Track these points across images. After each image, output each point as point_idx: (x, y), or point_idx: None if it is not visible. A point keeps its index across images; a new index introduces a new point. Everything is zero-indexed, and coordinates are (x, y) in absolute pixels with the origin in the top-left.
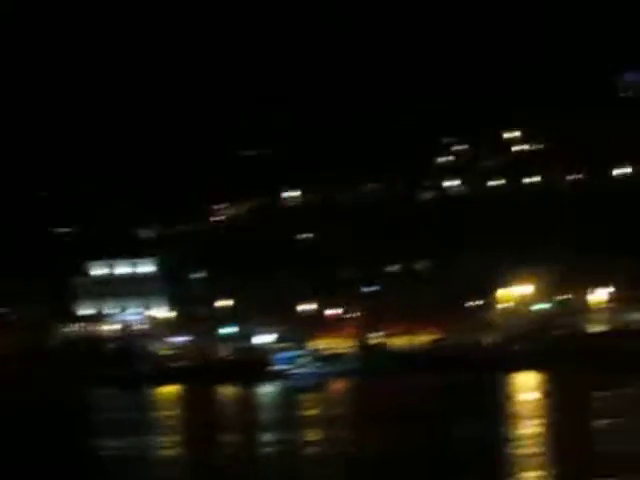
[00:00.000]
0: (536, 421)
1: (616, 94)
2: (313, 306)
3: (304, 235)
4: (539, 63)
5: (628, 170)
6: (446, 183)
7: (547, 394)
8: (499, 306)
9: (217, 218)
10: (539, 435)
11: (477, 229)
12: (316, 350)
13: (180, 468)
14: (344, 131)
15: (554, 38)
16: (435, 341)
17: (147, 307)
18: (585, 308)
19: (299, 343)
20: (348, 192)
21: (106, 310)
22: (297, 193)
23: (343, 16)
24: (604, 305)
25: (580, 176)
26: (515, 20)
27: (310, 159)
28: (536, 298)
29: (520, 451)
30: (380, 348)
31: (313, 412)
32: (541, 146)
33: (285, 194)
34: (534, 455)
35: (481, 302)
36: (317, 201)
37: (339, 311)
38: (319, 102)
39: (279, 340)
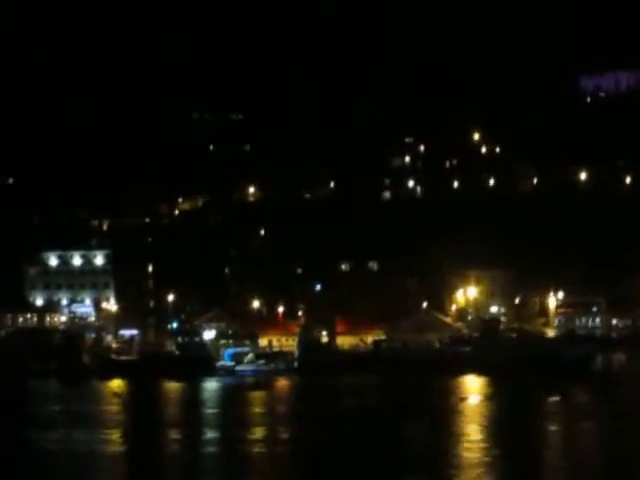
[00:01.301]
0: (478, 424)
1: (576, 100)
2: (262, 302)
3: (257, 231)
4: (499, 67)
5: (583, 175)
6: (404, 183)
7: (491, 397)
8: (450, 307)
9: (172, 212)
10: (480, 438)
11: (432, 230)
12: (262, 347)
13: (115, 463)
14: (304, 129)
15: (516, 42)
16: (377, 341)
17: (98, 299)
18: (536, 312)
19: (245, 339)
20: (305, 190)
21: (57, 301)
22: (253, 189)
23: (302, 15)
24: (556, 309)
25: (535, 180)
26: (474, 24)
27: (269, 156)
28: (487, 301)
29: (462, 453)
30: (326, 347)
31: (256, 409)
32: (500, 148)
33: (242, 190)
34: (475, 458)
35: (431, 303)
36: (274, 198)
37: (287, 308)
38: (280, 100)
39: (225, 336)
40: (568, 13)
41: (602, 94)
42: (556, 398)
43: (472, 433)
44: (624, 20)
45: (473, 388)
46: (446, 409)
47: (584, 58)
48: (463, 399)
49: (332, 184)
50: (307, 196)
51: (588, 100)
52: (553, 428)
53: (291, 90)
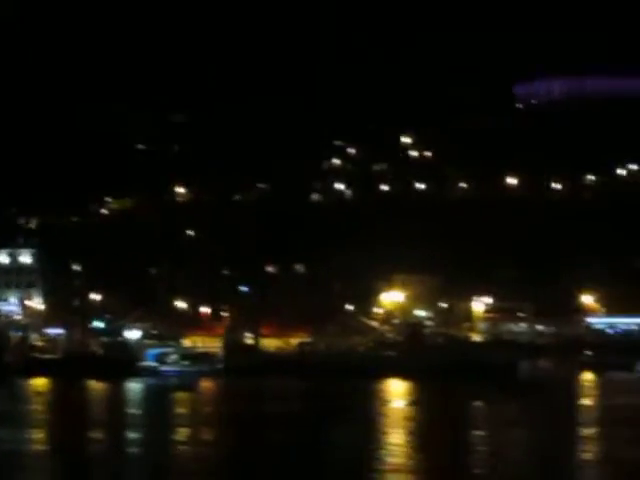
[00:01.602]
0: (402, 429)
1: (513, 104)
2: (188, 303)
3: (187, 232)
4: (433, 71)
5: (514, 181)
6: (335, 186)
7: (416, 402)
8: (375, 311)
9: (101, 211)
10: (404, 443)
11: (360, 233)
12: (187, 348)
13: (37, 462)
14: (236, 131)
15: (451, 47)
16: (301, 344)
17: (25, 298)
18: (463, 317)
19: (170, 340)
20: (237, 191)
21: None
22: (184, 190)
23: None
24: (482, 315)
25: (467, 184)
26: (406, 27)
27: (202, 157)
28: (414, 305)
29: (386, 458)
30: (250, 348)
31: (179, 410)
32: (431, 153)
33: (173, 190)
34: (399, 463)
35: (357, 306)
36: (205, 199)
37: (213, 310)
38: (215, 101)
39: (150, 336)
40: (503, 19)
41: (534, 101)
42: (479, 404)
43: (396, 438)
44: (558, 28)
45: (397, 392)
46: (370, 413)
47: (518, 65)
48: (387, 403)
49: (262, 186)
50: (236, 198)
51: (520, 107)
52: (476, 434)
53: (225, 92)
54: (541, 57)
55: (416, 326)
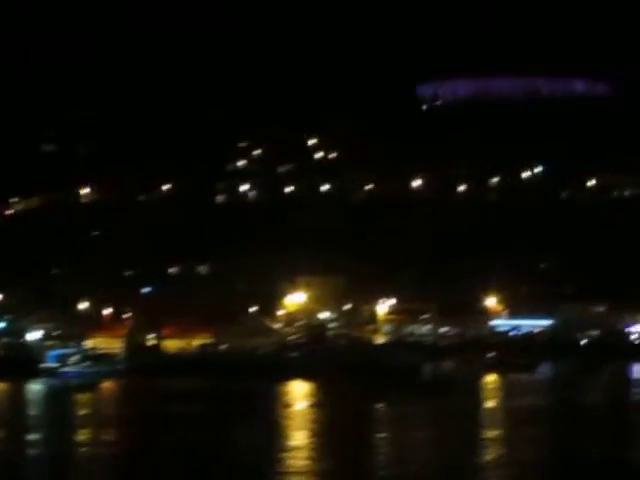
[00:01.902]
0: (305, 431)
1: (418, 106)
2: (91, 304)
3: (92, 232)
4: (337, 72)
5: (419, 182)
6: (240, 187)
7: (317, 404)
8: (279, 312)
9: (7, 212)
10: (305, 445)
11: (264, 234)
12: (88, 349)
13: None
14: (144, 130)
15: (355, 48)
16: (203, 345)
17: None
18: (367, 319)
19: (72, 341)
20: (142, 191)
21: None
22: (89, 190)
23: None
24: (386, 317)
25: (372, 186)
26: (312, 28)
27: (107, 157)
28: (318, 307)
29: (288, 460)
30: (152, 349)
31: (80, 411)
32: (336, 154)
33: (80, 191)
34: (302, 465)
35: (260, 307)
36: (111, 199)
37: (115, 311)
38: (122, 101)
39: (51, 337)
40: (407, 19)
41: (439, 102)
42: (382, 405)
43: (298, 440)
44: (463, 28)
45: (300, 394)
46: (272, 415)
47: (422, 65)
48: (289, 405)
49: (167, 187)
50: (141, 198)
51: (424, 108)
52: (375, 436)
53: (131, 92)
54: (446, 57)
55: (318, 328)
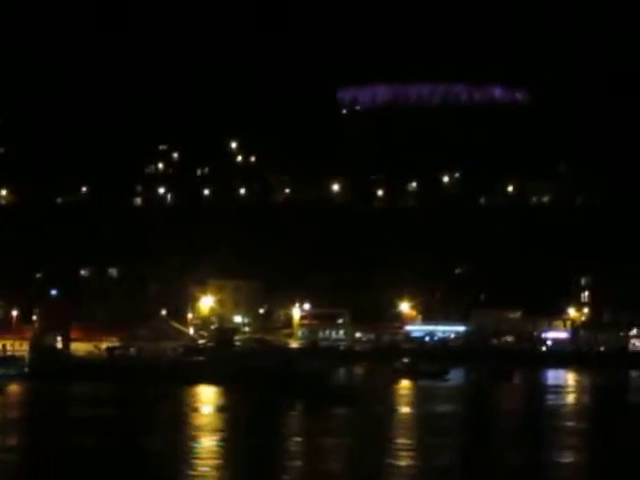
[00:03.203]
0: (211, 435)
1: (338, 110)
2: None
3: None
4: (262, 75)
5: (336, 187)
6: (155, 190)
7: (223, 408)
8: (190, 316)
9: None
10: (215, 450)
11: (178, 238)
12: None
13: None
14: (63, 133)
15: (277, 52)
16: (110, 349)
17: None
18: (282, 323)
19: None
20: (60, 194)
21: None
22: (6, 192)
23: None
24: (301, 321)
25: (290, 190)
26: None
27: (24, 160)
28: (231, 310)
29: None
30: (57, 352)
31: None
32: (255, 158)
33: None
34: (207, 470)
35: (171, 311)
36: (23, 202)
37: (23, 313)
38: (39, 102)
39: None
40: (329, 24)
41: (358, 107)
42: (290, 411)
43: (204, 444)
44: (384, 34)
45: (206, 398)
46: (178, 419)
47: (342, 70)
48: (195, 409)
49: (84, 189)
50: (59, 200)
51: (344, 112)
52: (274, 441)
53: (49, 95)
54: (366, 63)
55: (224, 332)
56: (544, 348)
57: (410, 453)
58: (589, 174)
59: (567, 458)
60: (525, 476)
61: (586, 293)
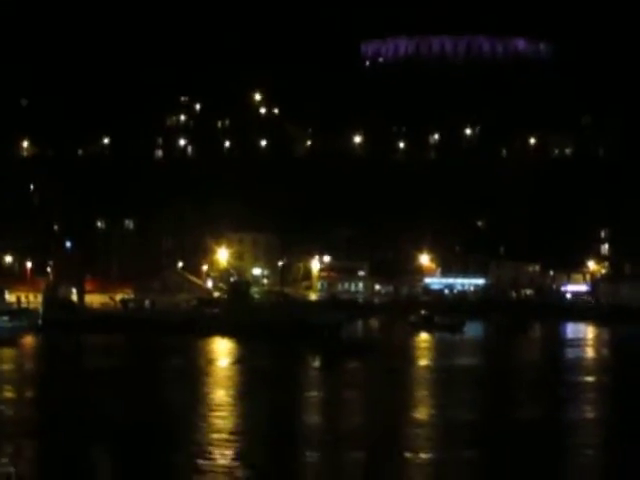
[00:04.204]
0: (229, 389)
1: (361, 63)
2: (14, 258)
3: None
4: (285, 28)
5: (359, 139)
6: (176, 143)
7: (238, 360)
8: (205, 268)
9: None
10: (229, 403)
11: (197, 191)
12: (6, 303)
13: None
14: (83, 84)
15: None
16: (124, 301)
17: None
18: (301, 276)
19: None
20: (81, 144)
21: None
22: (27, 144)
23: None
24: (320, 274)
25: (311, 142)
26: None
27: (46, 111)
28: (249, 263)
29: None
30: (73, 304)
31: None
32: (278, 110)
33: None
34: (225, 424)
35: (188, 264)
36: (46, 153)
37: (37, 265)
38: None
39: None
40: None
41: (381, 59)
42: (305, 363)
43: (221, 397)
44: None
45: (219, 351)
46: (194, 371)
47: (364, 23)
48: (209, 362)
49: (105, 141)
50: (80, 152)
51: (367, 65)
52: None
53: (71, 47)
54: (389, 16)
55: (239, 284)
56: (565, 301)
57: (423, 406)
58: (611, 127)
59: (578, 413)
60: (543, 429)
61: (606, 246)
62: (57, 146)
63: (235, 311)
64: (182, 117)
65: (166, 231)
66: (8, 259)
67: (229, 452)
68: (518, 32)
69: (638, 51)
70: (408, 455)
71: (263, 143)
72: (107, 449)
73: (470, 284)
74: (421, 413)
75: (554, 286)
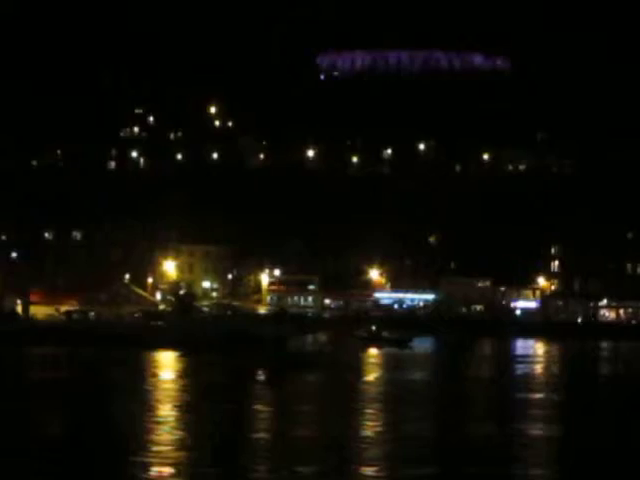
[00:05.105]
0: (172, 402)
1: (316, 76)
2: None
3: None
4: (242, 40)
5: (311, 153)
6: (129, 154)
7: (183, 374)
8: (157, 282)
9: None
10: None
11: (147, 202)
12: None
13: None
14: (39, 95)
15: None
16: (68, 312)
17: None
18: (251, 289)
19: None
20: (34, 156)
21: None
22: None
23: None
24: (270, 287)
25: (265, 155)
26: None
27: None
28: (199, 276)
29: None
30: (17, 315)
31: None
32: (232, 123)
33: None
34: (169, 438)
35: (135, 276)
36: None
37: None
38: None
39: None
40: None
41: (337, 73)
42: (250, 377)
43: (164, 410)
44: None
45: (166, 364)
46: (138, 385)
47: (320, 36)
48: (155, 375)
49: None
50: (33, 163)
51: (322, 78)
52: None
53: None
54: (345, 29)
55: (184, 297)
56: (514, 317)
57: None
58: (566, 142)
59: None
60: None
61: (556, 263)
62: (10, 157)
63: (180, 324)
64: (136, 129)
65: (114, 243)
66: None
67: (170, 467)
68: (475, 47)
69: (594, 67)
70: (359, 470)
71: (215, 156)
72: (41, 465)
73: (420, 299)
74: (368, 428)
75: (504, 302)
